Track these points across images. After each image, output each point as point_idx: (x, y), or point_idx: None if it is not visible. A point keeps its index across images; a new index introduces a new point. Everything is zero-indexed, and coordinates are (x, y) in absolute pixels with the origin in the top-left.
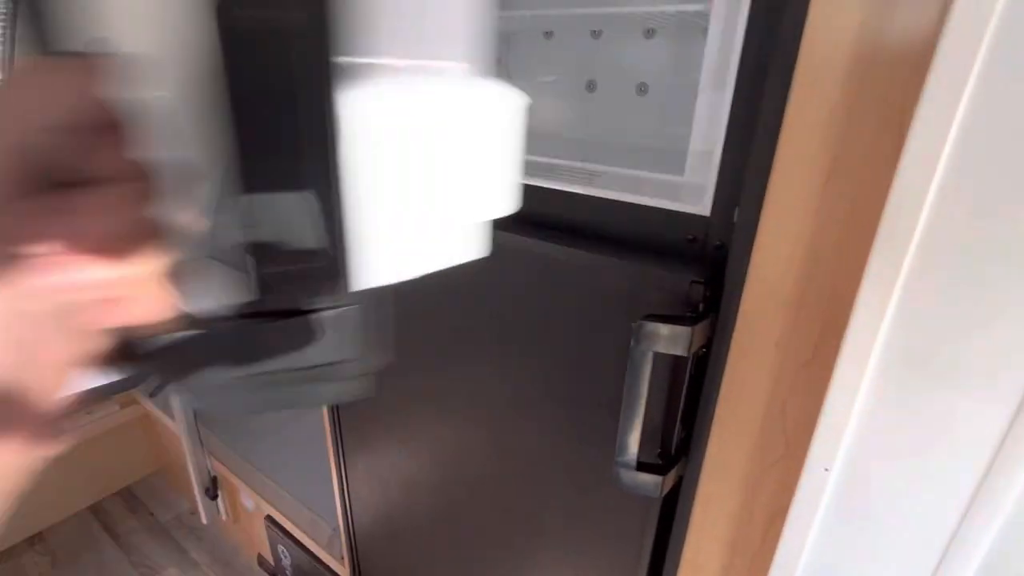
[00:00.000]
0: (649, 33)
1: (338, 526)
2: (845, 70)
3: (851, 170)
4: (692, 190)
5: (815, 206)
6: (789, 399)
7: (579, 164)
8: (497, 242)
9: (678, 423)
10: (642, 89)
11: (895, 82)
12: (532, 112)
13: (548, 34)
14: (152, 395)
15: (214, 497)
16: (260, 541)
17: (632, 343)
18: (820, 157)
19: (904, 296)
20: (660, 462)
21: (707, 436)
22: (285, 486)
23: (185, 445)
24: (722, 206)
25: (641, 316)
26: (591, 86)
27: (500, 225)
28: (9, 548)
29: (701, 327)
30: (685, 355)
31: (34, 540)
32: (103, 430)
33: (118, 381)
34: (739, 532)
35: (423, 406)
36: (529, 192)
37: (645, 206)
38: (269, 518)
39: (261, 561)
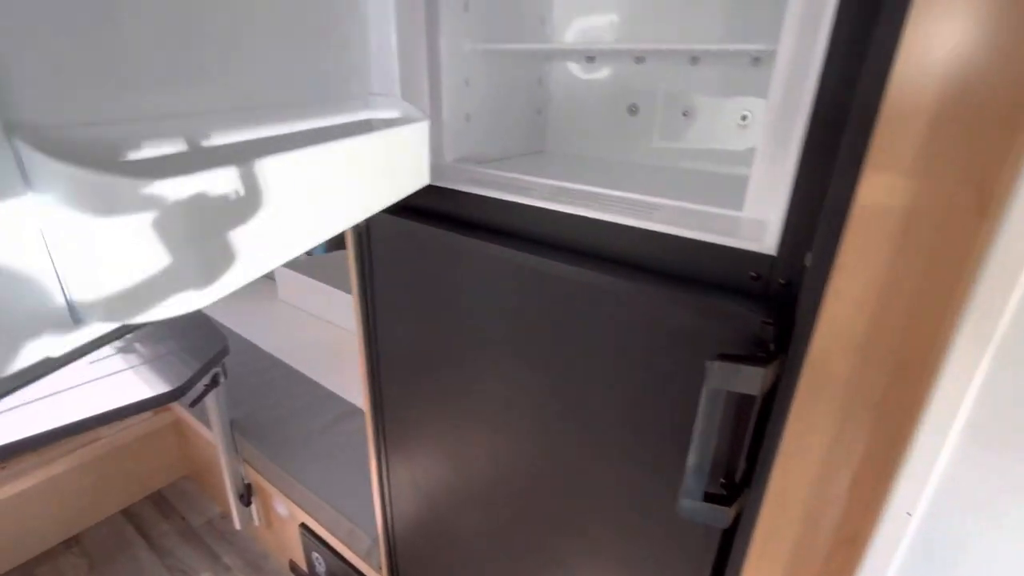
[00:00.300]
0: (695, 60)
1: (377, 536)
2: (929, 120)
3: (929, 221)
4: (752, 226)
5: (890, 254)
6: (857, 438)
7: (637, 196)
8: (559, 274)
9: (743, 455)
10: (688, 113)
11: (979, 138)
12: (575, 134)
13: (590, 59)
14: (192, 405)
15: (248, 504)
16: (291, 547)
17: (705, 381)
18: (898, 207)
19: (999, 353)
20: (725, 492)
21: (771, 468)
22: (323, 496)
23: (221, 453)
24: (790, 246)
25: (712, 354)
26: (633, 109)
27: (564, 258)
28: (47, 551)
29: (772, 367)
30: (757, 394)
31: (70, 543)
32: (135, 435)
33: (161, 394)
34: (798, 560)
35: (473, 421)
36: (589, 224)
37: (706, 242)
38: (304, 526)
39: (293, 567)
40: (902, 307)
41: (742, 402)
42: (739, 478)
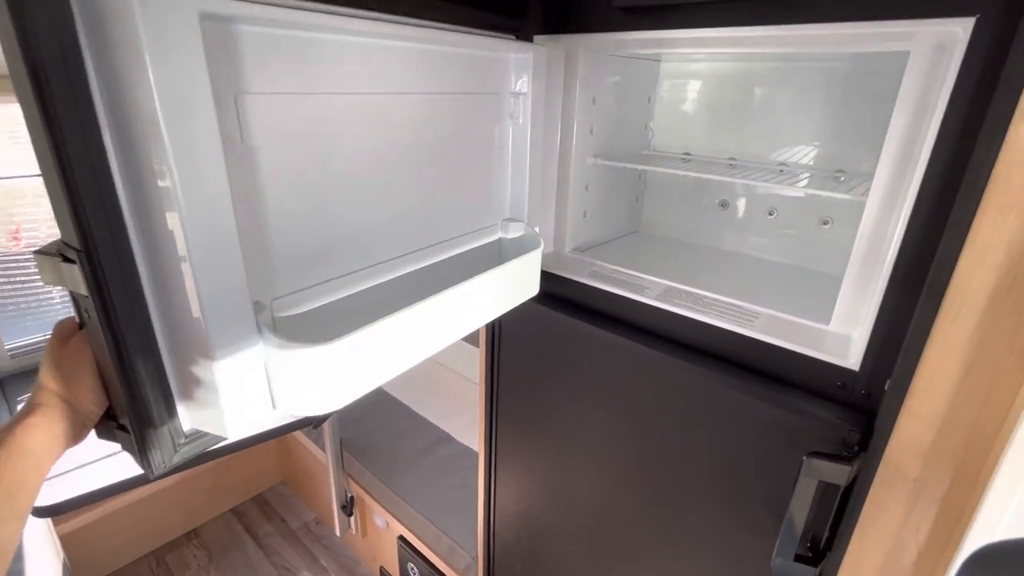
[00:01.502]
0: (782, 169)
1: (477, 555)
2: (988, 298)
3: (983, 372)
4: (838, 340)
5: (952, 390)
6: (923, 520)
7: (739, 302)
8: (666, 362)
9: (827, 528)
10: (773, 212)
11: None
12: (667, 219)
13: (686, 155)
14: (315, 427)
15: (350, 514)
16: (382, 555)
17: (801, 472)
18: (959, 358)
19: None
20: (811, 555)
21: (849, 539)
22: (426, 513)
23: (330, 468)
24: (871, 365)
25: (803, 446)
26: (724, 204)
27: (670, 349)
28: (173, 540)
29: (855, 464)
30: (843, 484)
31: (191, 535)
32: None
33: (290, 424)
34: None
35: (578, 467)
36: (695, 323)
37: (800, 353)
38: (402, 538)
39: (383, 573)
40: (961, 430)
41: (828, 486)
42: (823, 545)
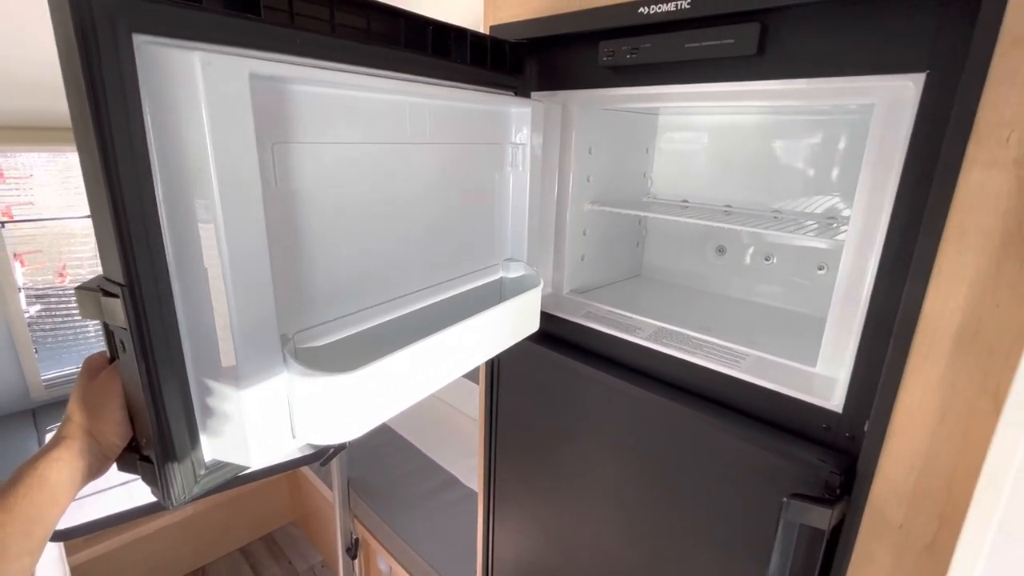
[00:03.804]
0: (776, 216)
1: None
2: (953, 342)
3: (958, 415)
4: (823, 383)
5: (929, 433)
6: (913, 570)
7: (727, 344)
8: (656, 401)
9: (816, 574)
10: (769, 258)
11: (994, 357)
12: (668, 264)
13: (684, 203)
14: (323, 464)
15: (354, 557)
16: None
17: (781, 515)
18: (934, 402)
19: (1002, 523)
20: None
21: None
22: (430, 560)
23: (336, 508)
24: (853, 407)
25: (787, 489)
26: (721, 249)
27: (659, 390)
28: None
29: (838, 508)
30: (825, 529)
31: (198, 573)
32: (260, 481)
33: (299, 458)
34: None
35: (572, 509)
36: (684, 363)
37: (786, 395)
38: None
39: None
40: (943, 474)
41: (814, 532)
42: None
